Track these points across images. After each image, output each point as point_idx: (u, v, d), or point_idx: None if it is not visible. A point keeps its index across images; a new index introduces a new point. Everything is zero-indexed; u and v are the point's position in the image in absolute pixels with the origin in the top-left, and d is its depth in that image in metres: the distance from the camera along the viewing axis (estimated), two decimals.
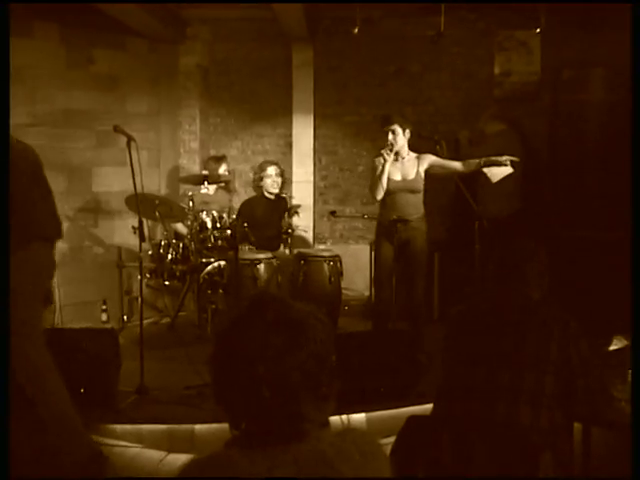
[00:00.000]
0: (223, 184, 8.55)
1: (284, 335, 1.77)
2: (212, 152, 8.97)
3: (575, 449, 3.52)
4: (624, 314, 3.45)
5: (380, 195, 6.52)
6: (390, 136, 6.52)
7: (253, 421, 1.78)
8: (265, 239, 7.86)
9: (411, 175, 6.58)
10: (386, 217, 6.58)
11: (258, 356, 1.75)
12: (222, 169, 8.35)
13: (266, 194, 8.16)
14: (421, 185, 6.59)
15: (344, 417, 4.89)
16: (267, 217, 8.07)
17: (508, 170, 6.53)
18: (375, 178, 6.53)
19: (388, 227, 6.52)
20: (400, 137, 6.54)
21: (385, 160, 6.45)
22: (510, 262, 3.43)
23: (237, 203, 8.94)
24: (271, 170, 8.13)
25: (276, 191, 8.18)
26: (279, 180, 8.18)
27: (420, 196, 6.62)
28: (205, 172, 8.10)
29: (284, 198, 8.31)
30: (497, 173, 6.68)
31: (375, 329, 6.61)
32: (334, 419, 1.89)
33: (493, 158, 6.39)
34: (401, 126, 6.54)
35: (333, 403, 1.84)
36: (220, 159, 8.49)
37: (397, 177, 6.56)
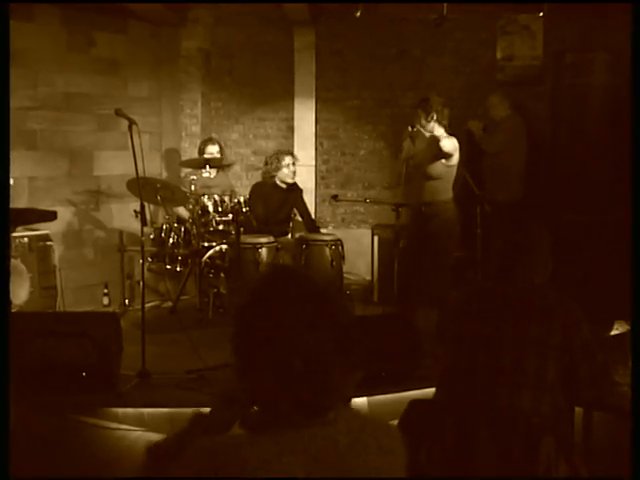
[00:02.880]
0: (224, 167, 8.53)
1: (313, 306, 1.74)
2: (214, 136, 8.94)
3: (576, 433, 3.53)
4: (626, 299, 3.45)
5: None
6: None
7: (282, 396, 1.72)
8: (273, 225, 7.85)
9: None
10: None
11: (289, 329, 1.71)
12: (210, 151, 8.27)
13: (278, 182, 8.08)
14: None
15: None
16: (279, 204, 8.04)
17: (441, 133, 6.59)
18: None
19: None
20: None
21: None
22: (516, 247, 3.42)
23: (239, 187, 8.94)
24: (288, 160, 8.06)
25: (292, 181, 8.14)
26: (295, 169, 8.13)
27: None
28: (207, 155, 8.08)
29: (298, 188, 8.26)
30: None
31: (402, 314, 6.52)
32: None
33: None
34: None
35: (360, 373, 1.81)
36: (207, 141, 8.42)
37: None
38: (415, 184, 6.64)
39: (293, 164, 8.07)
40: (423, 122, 6.51)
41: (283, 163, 7.99)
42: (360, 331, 1.83)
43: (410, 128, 6.53)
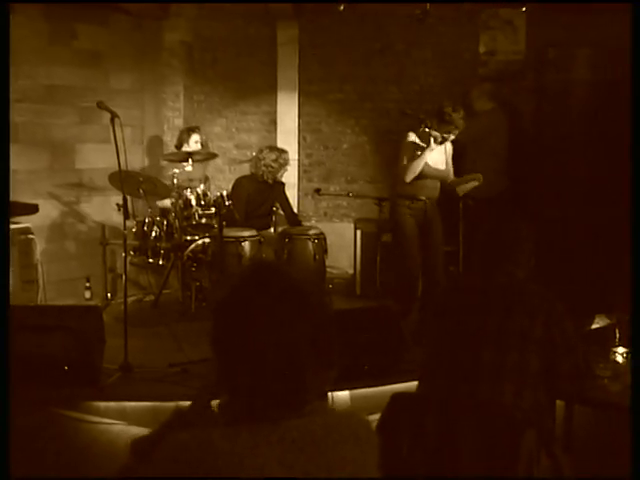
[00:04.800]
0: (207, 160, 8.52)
1: (291, 303, 1.75)
2: (197, 127, 8.88)
3: (557, 427, 3.56)
4: (606, 293, 3.48)
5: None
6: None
7: (257, 393, 1.74)
8: (256, 219, 7.84)
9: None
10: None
11: (266, 325, 1.72)
12: (193, 140, 8.24)
13: (265, 177, 8.01)
14: None
15: (328, 395, 4.92)
16: (262, 198, 8.01)
17: (475, 184, 6.62)
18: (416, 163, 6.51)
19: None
20: None
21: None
22: (500, 243, 3.43)
23: (221, 181, 8.93)
24: (288, 160, 8.06)
25: (280, 178, 8.13)
26: (287, 168, 8.14)
27: None
28: (190, 144, 8.06)
29: (281, 182, 8.22)
30: (465, 188, 6.73)
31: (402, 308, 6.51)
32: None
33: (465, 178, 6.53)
34: None
35: (334, 372, 1.82)
36: (191, 130, 8.38)
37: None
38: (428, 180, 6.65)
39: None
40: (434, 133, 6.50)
41: (283, 162, 7.96)
42: (337, 329, 1.83)
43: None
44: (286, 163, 8.01)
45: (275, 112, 9.31)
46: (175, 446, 1.67)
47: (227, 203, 7.07)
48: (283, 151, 8.07)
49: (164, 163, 8.59)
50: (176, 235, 7.31)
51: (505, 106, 8.24)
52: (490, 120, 7.92)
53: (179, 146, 8.25)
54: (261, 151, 8.04)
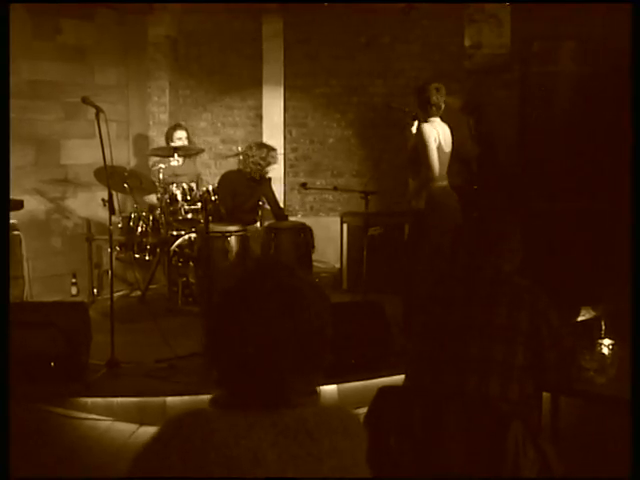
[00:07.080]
0: (192, 155, 8.49)
1: (279, 301, 1.77)
2: (181, 123, 8.88)
3: (544, 418, 3.57)
4: (592, 285, 3.49)
5: None
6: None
7: (239, 383, 1.77)
8: (242, 214, 7.82)
9: None
10: None
11: (252, 319, 1.75)
12: (177, 137, 8.23)
13: (253, 173, 7.96)
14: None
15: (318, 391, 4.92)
16: (248, 193, 7.98)
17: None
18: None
19: None
20: None
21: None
22: (487, 236, 3.42)
23: (207, 176, 8.91)
24: (277, 157, 8.04)
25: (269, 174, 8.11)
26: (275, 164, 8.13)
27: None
28: (175, 142, 8.05)
29: (268, 178, 8.19)
30: None
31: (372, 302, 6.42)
32: None
33: None
34: None
35: (320, 375, 1.85)
36: (175, 127, 8.38)
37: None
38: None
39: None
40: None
41: (272, 160, 7.92)
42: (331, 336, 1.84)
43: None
44: (275, 161, 7.98)
45: (261, 106, 9.30)
46: (172, 424, 1.70)
47: (213, 198, 7.07)
48: (272, 148, 8.02)
49: (151, 158, 8.56)
50: (162, 230, 7.30)
51: (490, 99, 8.22)
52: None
53: (167, 143, 8.24)
54: (250, 148, 7.97)
